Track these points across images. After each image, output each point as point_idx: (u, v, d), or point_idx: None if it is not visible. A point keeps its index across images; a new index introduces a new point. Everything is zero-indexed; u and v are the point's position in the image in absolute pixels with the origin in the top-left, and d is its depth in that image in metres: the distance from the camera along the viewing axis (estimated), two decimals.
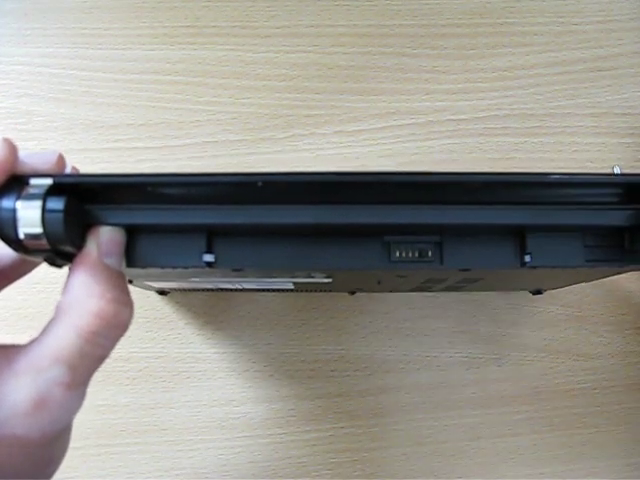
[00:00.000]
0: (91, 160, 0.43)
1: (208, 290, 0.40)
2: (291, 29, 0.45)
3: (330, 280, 0.31)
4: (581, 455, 0.38)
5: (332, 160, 0.43)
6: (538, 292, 0.40)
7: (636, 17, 0.46)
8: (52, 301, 0.41)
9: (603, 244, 0.24)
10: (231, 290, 0.39)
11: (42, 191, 0.20)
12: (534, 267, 0.23)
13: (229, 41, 0.44)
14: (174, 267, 0.23)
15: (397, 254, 0.23)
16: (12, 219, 0.20)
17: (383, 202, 0.22)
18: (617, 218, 0.23)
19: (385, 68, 0.45)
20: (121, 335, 0.21)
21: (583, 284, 0.41)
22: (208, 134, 0.43)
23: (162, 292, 0.40)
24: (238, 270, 0.24)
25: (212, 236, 0.23)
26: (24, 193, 0.20)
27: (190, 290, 0.40)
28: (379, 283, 0.35)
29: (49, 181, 0.20)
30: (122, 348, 0.40)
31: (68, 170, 0.24)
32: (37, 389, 0.19)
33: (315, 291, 0.40)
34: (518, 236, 0.23)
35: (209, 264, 0.23)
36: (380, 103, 0.44)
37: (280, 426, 0.39)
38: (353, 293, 0.41)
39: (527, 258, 0.23)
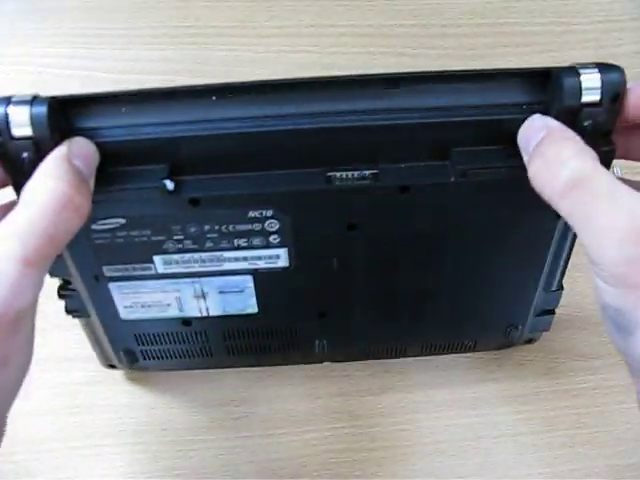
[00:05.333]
0: None
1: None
2: (291, 29, 0.45)
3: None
4: (581, 455, 0.38)
5: None
6: (530, 341, 0.40)
7: (636, 17, 0.46)
8: (49, 297, 0.40)
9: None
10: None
11: (28, 99, 0.25)
12: (463, 174, 0.26)
13: (229, 41, 0.44)
14: (138, 189, 0.26)
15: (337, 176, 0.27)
16: (4, 121, 0.24)
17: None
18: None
19: (385, 68, 0.44)
20: (75, 223, 0.22)
21: (584, 284, 0.42)
22: None
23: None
24: (195, 203, 0.27)
25: (174, 168, 0.26)
26: (12, 101, 0.25)
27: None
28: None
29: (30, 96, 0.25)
30: None
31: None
32: None
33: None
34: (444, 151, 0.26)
35: (170, 192, 0.26)
36: None
37: (280, 426, 0.39)
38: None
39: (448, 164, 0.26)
